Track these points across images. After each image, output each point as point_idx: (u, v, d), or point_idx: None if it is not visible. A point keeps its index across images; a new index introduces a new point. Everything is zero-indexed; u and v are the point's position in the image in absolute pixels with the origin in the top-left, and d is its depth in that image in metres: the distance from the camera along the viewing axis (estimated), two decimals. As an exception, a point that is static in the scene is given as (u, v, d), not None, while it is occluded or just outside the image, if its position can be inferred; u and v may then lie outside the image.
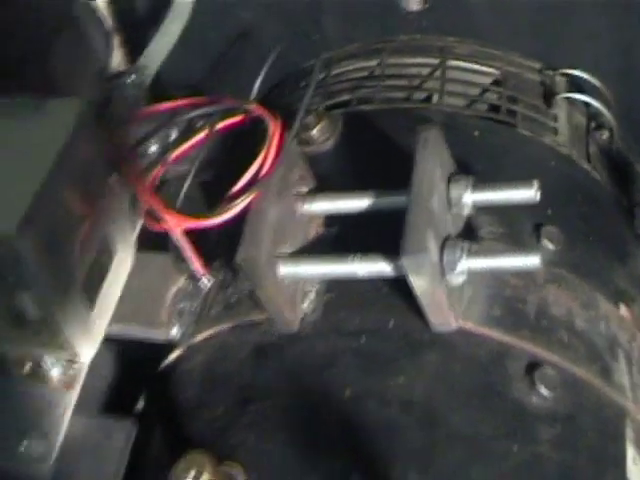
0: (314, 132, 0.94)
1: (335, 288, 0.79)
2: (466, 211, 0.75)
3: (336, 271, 0.76)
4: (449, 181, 0.75)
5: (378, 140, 0.88)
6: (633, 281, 0.90)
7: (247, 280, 0.77)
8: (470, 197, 0.75)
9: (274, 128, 0.85)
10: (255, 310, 0.79)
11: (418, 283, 0.68)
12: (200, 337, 0.83)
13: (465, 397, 0.72)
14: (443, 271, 0.70)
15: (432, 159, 0.74)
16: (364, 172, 0.85)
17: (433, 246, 0.69)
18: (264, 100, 1.01)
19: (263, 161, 0.83)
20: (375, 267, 0.73)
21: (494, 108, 0.99)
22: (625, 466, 0.76)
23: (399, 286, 0.72)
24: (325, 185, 0.85)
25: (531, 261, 0.69)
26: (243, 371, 0.77)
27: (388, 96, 1.00)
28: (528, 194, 0.74)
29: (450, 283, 0.71)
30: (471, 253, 0.71)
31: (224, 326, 0.81)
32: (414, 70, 1.03)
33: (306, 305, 0.79)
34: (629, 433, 0.79)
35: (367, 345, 0.75)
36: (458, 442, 0.70)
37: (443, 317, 0.71)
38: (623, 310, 0.86)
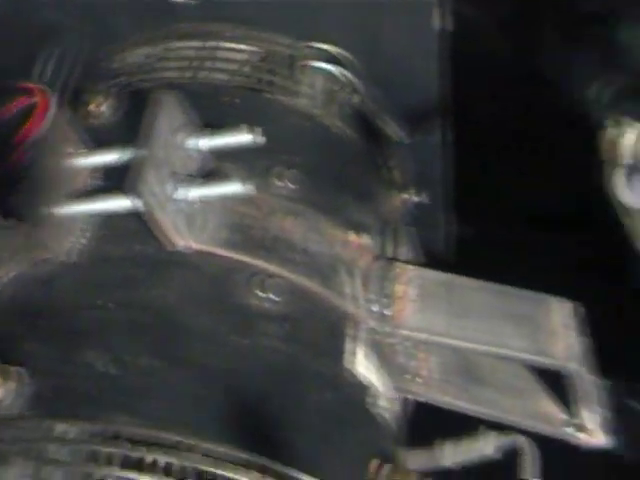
0: (102, 108, 1.12)
1: (107, 226, 0.97)
2: (196, 154, 0.94)
3: (97, 208, 0.94)
4: (180, 132, 0.94)
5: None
6: (374, 215, 1.11)
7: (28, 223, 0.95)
8: (201, 143, 0.94)
9: (40, 100, 1.05)
10: (39, 249, 0.97)
11: (145, 212, 0.87)
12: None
13: (205, 304, 0.91)
14: (165, 201, 0.89)
15: (162, 115, 0.93)
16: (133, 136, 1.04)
17: (153, 181, 0.87)
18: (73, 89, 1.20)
19: (30, 126, 1.02)
20: (120, 204, 0.91)
21: (259, 81, 1.19)
22: (342, 355, 0.95)
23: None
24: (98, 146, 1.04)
25: (235, 188, 0.88)
26: (35, 297, 0.95)
27: (167, 75, 1.19)
28: (249, 137, 0.93)
29: (179, 211, 0.90)
30: (193, 185, 0.90)
31: (21, 266, 0.99)
32: (190, 52, 1.23)
33: (84, 240, 0.97)
34: (351, 331, 0.99)
35: (127, 268, 0.93)
36: (197, 339, 0.88)
37: (169, 238, 0.90)
38: (353, 237, 1.05)
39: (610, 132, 0.74)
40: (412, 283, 1.03)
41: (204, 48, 1.17)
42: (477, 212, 1.48)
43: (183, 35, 1.21)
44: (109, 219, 0.95)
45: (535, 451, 1.21)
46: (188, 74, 1.15)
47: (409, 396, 1.09)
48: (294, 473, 0.84)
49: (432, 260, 1.13)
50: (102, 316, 0.88)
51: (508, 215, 1.56)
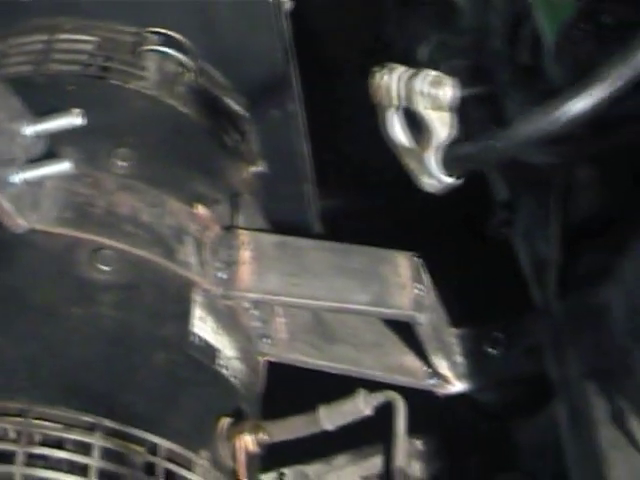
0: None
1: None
2: (28, 141, 1.00)
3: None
4: (16, 120, 1.00)
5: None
6: (218, 187, 1.18)
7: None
8: (31, 129, 1.00)
9: None
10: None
11: None
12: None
13: (45, 280, 0.97)
14: (4, 186, 0.95)
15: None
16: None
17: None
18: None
19: None
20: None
21: (103, 69, 1.25)
22: (189, 320, 1.02)
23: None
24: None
25: (62, 168, 0.95)
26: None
27: (12, 71, 1.24)
28: (72, 120, 0.99)
29: (18, 194, 0.96)
30: (28, 169, 0.96)
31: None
32: (33, 47, 1.28)
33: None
34: (197, 297, 1.06)
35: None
36: (41, 314, 0.95)
37: (12, 221, 0.96)
38: (200, 209, 1.13)
39: (378, 76, 0.81)
40: (249, 247, 1.10)
41: (46, 42, 1.22)
42: (337, 184, 1.56)
43: (24, 31, 1.26)
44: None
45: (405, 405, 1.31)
46: (32, 67, 1.20)
47: (259, 357, 1.15)
48: (138, 433, 0.90)
49: (298, 232, 1.20)
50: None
51: (364, 185, 1.65)
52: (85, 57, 1.22)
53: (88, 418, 0.88)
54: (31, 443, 0.86)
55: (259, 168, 1.31)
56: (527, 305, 1.29)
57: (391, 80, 0.79)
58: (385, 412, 1.32)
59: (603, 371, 1.03)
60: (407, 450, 1.33)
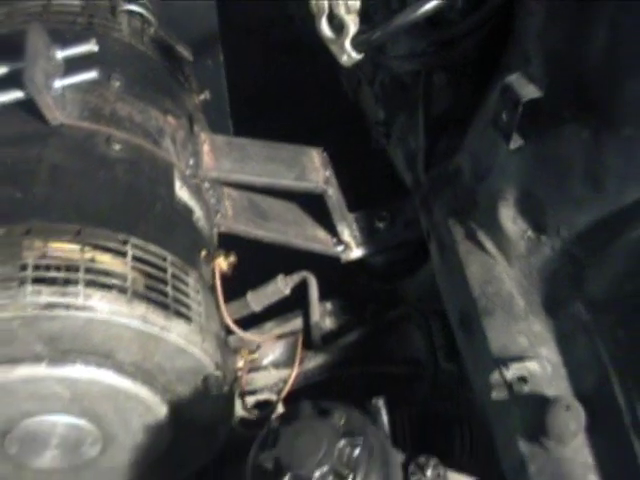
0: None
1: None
2: (58, 62, 1.42)
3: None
4: (49, 46, 1.42)
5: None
6: (179, 106, 1.62)
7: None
8: (60, 54, 1.43)
9: None
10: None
11: (36, 94, 1.35)
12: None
13: (75, 155, 1.39)
14: (48, 87, 1.37)
15: (36, 38, 1.40)
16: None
17: (40, 75, 1.35)
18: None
19: None
20: (16, 95, 1.38)
21: (89, 24, 1.68)
22: (174, 187, 1.45)
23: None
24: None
25: (90, 75, 1.38)
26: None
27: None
28: (91, 47, 1.42)
29: (54, 94, 1.38)
30: (63, 77, 1.38)
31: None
32: (37, 9, 1.69)
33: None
34: (176, 174, 1.49)
35: (21, 142, 1.39)
36: (75, 175, 1.36)
37: (52, 114, 1.38)
38: (170, 118, 1.57)
39: None
40: (207, 143, 1.55)
41: (44, 5, 1.64)
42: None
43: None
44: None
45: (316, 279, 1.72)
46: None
47: (215, 227, 1.58)
48: (153, 248, 1.33)
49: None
50: (11, 168, 1.33)
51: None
52: (73, 17, 1.63)
53: (122, 235, 1.30)
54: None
55: (204, 97, 1.75)
56: (403, 192, 1.74)
57: (325, -6, 1.27)
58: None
59: (458, 209, 1.48)
60: (320, 311, 1.75)
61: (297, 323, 1.75)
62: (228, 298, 1.62)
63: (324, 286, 1.75)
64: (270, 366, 1.71)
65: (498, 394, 1.27)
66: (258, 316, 1.76)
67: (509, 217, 1.35)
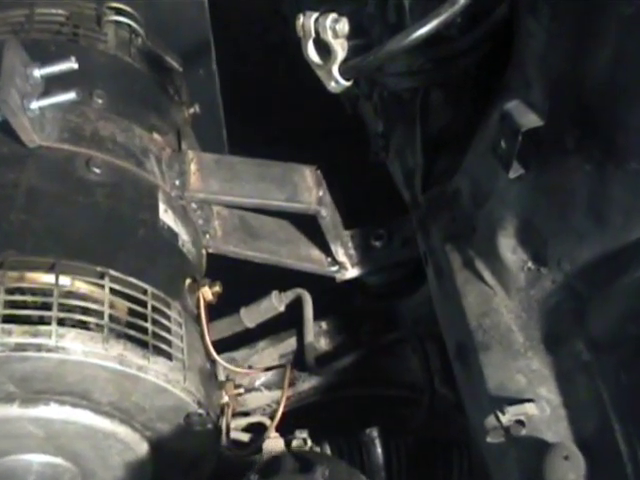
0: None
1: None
2: (36, 81, 1.35)
3: None
4: (25, 64, 1.35)
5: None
6: (166, 122, 1.55)
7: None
8: (38, 72, 1.35)
9: None
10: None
11: (10, 116, 1.27)
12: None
13: (54, 179, 1.32)
14: (23, 108, 1.29)
15: (11, 53, 1.33)
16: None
17: (15, 96, 1.28)
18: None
19: None
20: None
21: (75, 34, 1.60)
22: (158, 211, 1.38)
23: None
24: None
25: (68, 97, 1.30)
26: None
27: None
28: (70, 64, 1.35)
29: (31, 115, 1.31)
30: (40, 99, 1.31)
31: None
32: (16, 19, 1.62)
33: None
34: (161, 196, 1.42)
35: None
36: (52, 200, 1.29)
37: (29, 137, 1.31)
38: (156, 136, 1.50)
39: (300, 19, 1.21)
40: (194, 162, 1.47)
41: (27, 15, 1.56)
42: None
43: (8, 6, 1.60)
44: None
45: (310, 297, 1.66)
46: (16, 34, 1.54)
47: (203, 249, 1.52)
48: (133, 280, 1.26)
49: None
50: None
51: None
52: (58, 26, 1.55)
53: (99, 268, 1.23)
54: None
55: (194, 110, 1.67)
56: (401, 209, 1.67)
57: (308, 20, 1.19)
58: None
59: (456, 235, 1.42)
60: (315, 330, 1.69)
61: (291, 342, 1.70)
62: (220, 314, 1.58)
63: (319, 304, 1.68)
64: (262, 387, 1.64)
65: (494, 438, 1.21)
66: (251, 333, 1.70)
67: (508, 247, 1.28)
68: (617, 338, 1.18)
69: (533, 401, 1.21)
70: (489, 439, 1.21)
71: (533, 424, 1.20)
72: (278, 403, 1.60)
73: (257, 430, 1.60)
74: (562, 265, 1.21)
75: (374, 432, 1.51)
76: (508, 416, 1.18)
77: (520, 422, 1.19)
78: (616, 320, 1.18)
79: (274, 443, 1.54)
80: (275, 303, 1.63)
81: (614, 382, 1.16)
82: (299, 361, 1.66)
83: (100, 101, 1.43)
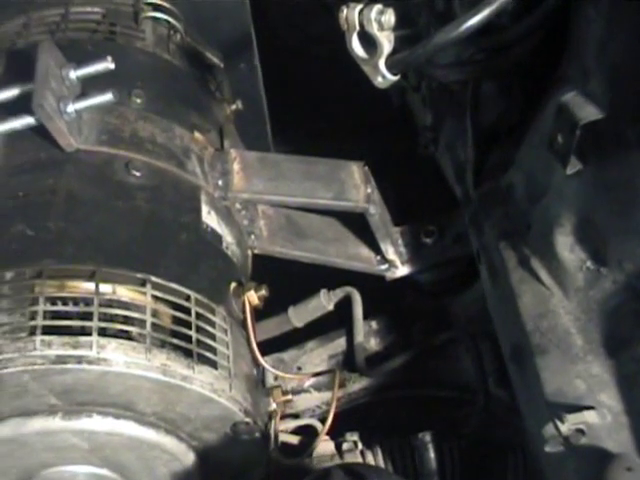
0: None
1: (13, 144, 1.32)
2: (72, 82, 1.31)
3: (9, 127, 1.29)
4: (61, 66, 1.31)
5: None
6: (208, 120, 1.50)
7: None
8: (74, 74, 1.31)
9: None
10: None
11: (47, 121, 1.24)
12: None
13: (92, 184, 1.29)
14: (60, 112, 1.26)
15: (47, 55, 1.29)
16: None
17: (51, 99, 1.24)
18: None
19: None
20: (27, 121, 1.27)
21: (112, 32, 1.56)
22: (200, 213, 1.34)
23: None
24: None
25: (105, 98, 1.26)
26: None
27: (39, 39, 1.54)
28: (107, 65, 1.31)
29: (68, 119, 1.27)
30: (76, 102, 1.27)
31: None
32: (52, 19, 1.58)
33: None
34: (203, 197, 1.38)
35: (36, 169, 1.29)
36: (91, 206, 1.26)
37: (66, 141, 1.27)
38: (197, 134, 1.45)
39: (343, 11, 1.16)
40: (237, 161, 1.43)
41: (62, 14, 1.52)
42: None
43: (42, 5, 1.56)
44: (12, 140, 1.30)
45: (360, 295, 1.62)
46: (52, 35, 1.51)
47: (249, 250, 1.47)
48: (176, 286, 1.22)
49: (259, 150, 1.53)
50: (23, 201, 1.23)
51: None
52: (94, 25, 1.51)
53: (140, 275, 1.19)
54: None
55: (237, 107, 1.63)
56: (453, 204, 1.61)
57: (352, 12, 1.14)
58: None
59: (511, 232, 1.36)
60: (365, 330, 1.64)
61: (340, 343, 1.65)
62: (269, 313, 1.54)
63: (369, 303, 1.64)
64: (311, 388, 1.60)
65: (553, 447, 1.15)
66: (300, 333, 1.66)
67: (566, 245, 1.22)
68: (683, 342, 1.11)
69: (593, 408, 1.16)
70: (547, 448, 1.15)
71: (593, 433, 1.15)
72: (328, 404, 1.57)
73: (307, 432, 1.57)
74: (624, 265, 1.14)
75: (427, 436, 1.47)
76: (567, 424, 1.13)
77: (580, 431, 1.14)
78: (682, 323, 1.11)
79: (325, 447, 1.50)
80: (324, 302, 1.59)
81: (681, 389, 1.09)
82: (349, 361, 1.62)
83: (139, 101, 1.39)
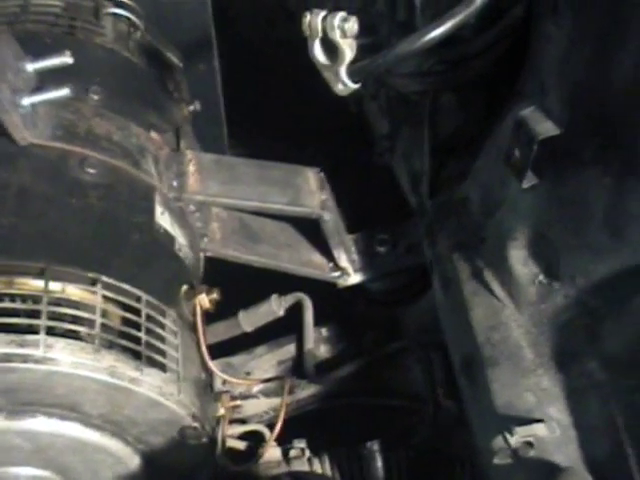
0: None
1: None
2: (29, 75, 1.28)
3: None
4: (18, 59, 1.28)
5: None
6: (165, 120, 1.49)
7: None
8: (31, 66, 1.29)
9: None
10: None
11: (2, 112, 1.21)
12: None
13: (46, 180, 1.26)
14: (15, 104, 1.23)
15: (3, 48, 1.26)
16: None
17: (6, 91, 1.21)
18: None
19: None
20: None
21: (71, 27, 1.54)
22: (154, 213, 1.32)
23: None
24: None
25: (61, 93, 1.24)
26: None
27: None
28: (65, 59, 1.28)
29: (23, 112, 1.25)
30: (32, 95, 1.25)
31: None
32: (12, 9, 1.55)
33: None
34: (158, 198, 1.36)
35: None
36: (45, 202, 1.23)
37: (20, 135, 1.24)
38: (153, 134, 1.44)
39: (306, 16, 1.15)
40: (193, 162, 1.42)
41: (22, 5, 1.50)
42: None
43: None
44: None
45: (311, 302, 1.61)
46: (11, 26, 1.48)
47: (201, 253, 1.46)
48: (127, 287, 1.21)
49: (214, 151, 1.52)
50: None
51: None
52: (53, 18, 1.49)
53: (91, 274, 1.18)
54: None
55: (194, 108, 1.61)
56: (406, 213, 1.61)
57: (315, 18, 1.13)
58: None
59: (465, 244, 1.36)
60: (315, 337, 1.64)
61: (290, 349, 1.65)
62: (219, 316, 1.52)
63: (320, 310, 1.63)
64: (260, 394, 1.59)
65: (501, 459, 1.15)
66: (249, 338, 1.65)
67: (519, 259, 1.23)
68: (633, 358, 1.12)
69: (543, 421, 1.16)
70: (496, 460, 1.15)
71: (542, 446, 1.15)
72: (276, 411, 1.56)
73: (254, 438, 1.56)
74: (576, 280, 1.15)
75: (375, 445, 1.46)
76: (516, 437, 1.13)
77: (529, 443, 1.14)
78: (632, 339, 1.12)
79: (272, 453, 1.49)
80: (274, 307, 1.58)
81: (629, 404, 1.11)
82: (298, 368, 1.61)
83: (96, 97, 1.37)
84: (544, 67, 1.13)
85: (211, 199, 1.40)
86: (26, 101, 1.24)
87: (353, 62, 1.11)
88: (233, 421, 1.55)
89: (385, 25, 1.43)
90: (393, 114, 1.64)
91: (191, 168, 1.41)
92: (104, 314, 1.15)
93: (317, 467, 1.47)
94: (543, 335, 1.22)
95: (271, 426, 1.49)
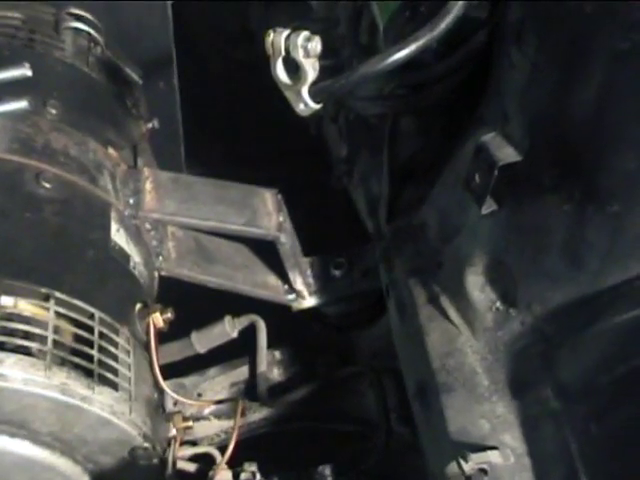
0: None
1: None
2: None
3: None
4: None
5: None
6: (122, 136, 1.47)
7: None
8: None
9: None
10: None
11: None
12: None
13: (0, 193, 1.23)
14: None
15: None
16: None
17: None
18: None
19: None
20: None
21: (30, 40, 1.52)
22: (109, 230, 1.30)
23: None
24: None
25: (17, 105, 1.22)
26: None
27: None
28: (23, 71, 1.26)
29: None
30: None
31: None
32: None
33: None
34: (113, 215, 1.34)
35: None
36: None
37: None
38: (111, 150, 1.42)
39: (269, 35, 1.14)
40: (150, 180, 1.40)
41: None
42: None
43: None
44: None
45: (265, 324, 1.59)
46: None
47: (155, 272, 1.44)
48: (80, 304, 1.18)
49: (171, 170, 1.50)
50: None
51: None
52: (13, 30, 1.46)
53: (44, 290, 1.15)
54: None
55: (152, 125, 1.59)
56: (363, 238, 1.60)
57: (279, 37, 1.12)
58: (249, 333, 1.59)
59: (421, 269, 1.36)
60: (268, 360, 1.62)
61: (243, 371, 1.62)
62: (172, 336, 1.49)
63: (274, 332, 1.62)
64: (211, 416, 1.56)
65: (455, 486, 1.14)
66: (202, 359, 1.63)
67: (476, 285, 1.22)
68: (588, 387, 1.12)
69: (497, 448, 1.15)
70: (450, 486, 1.14)
71: (496, 473, 1.14)
72: (227, 433, 1.53)
73: (204, 459, 1.54)
74: (532, 307, 1.15)
75: (326, 470, 1.44)
76: (471, 464, 1.12)
77: (483, 470, 1.13)
78: (587, 368, 1.13)
79: (223, 476, 1.46)
80: (228, 329, 1.56)
81: (583, 432, 1.10)
82: (250, 390, 1.58)
83: (54, 111, 1.35)
84: (506, 93, 1.13)
85: (167, 218, 1.39)
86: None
87: (315, 83, 1.10)
88: (184, 443, 1.51)
89: (347, 47, 1.42)
90: (352, 137, 1.63)
91: (148, 186, 1.39)
92: (56, 330, 1.12)
93: (268, 491, 1.44)
94: (499, 362, 1.21)
95: (222, 448, 1.46)
